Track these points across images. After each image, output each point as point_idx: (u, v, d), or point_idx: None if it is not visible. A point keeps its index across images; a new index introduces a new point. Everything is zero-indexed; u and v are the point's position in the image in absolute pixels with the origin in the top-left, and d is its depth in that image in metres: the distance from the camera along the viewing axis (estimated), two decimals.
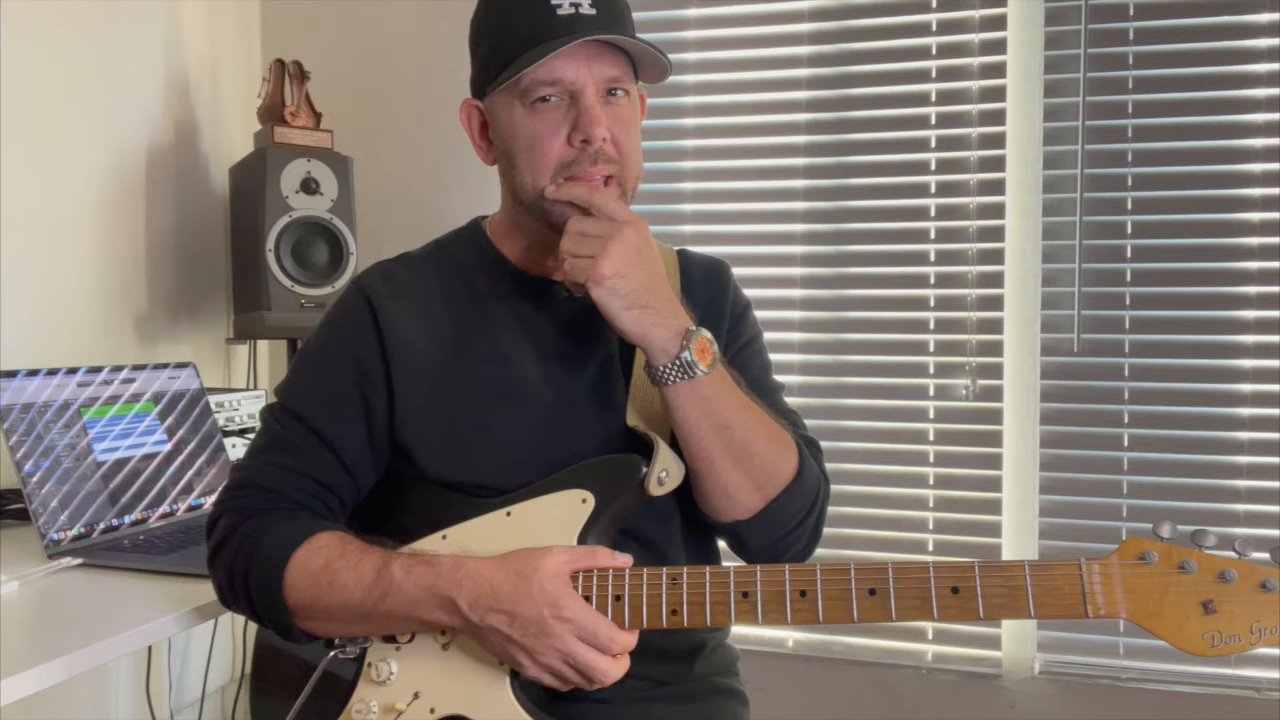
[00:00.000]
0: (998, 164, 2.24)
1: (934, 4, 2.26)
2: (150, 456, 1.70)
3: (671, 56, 1.13)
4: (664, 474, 1.08)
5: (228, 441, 1.90)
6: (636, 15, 1.17)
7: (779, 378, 1.29)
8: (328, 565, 1.05)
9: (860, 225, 2.33)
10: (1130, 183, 2.17)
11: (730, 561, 1.09)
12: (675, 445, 1.10)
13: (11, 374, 1.56)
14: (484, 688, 1.04)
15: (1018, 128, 2.22)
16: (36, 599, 1.32)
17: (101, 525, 1.58)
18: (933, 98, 2.28)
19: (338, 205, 2.28)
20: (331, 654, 1.08)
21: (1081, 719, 2.19)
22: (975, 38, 2.25)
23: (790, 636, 2.36)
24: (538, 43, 1.07)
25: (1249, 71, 2.10)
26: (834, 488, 1.21)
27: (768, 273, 2.38)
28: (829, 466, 1.20)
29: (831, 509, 1.20)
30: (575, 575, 1.02)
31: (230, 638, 2.52)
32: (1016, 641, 2.23)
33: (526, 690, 1.05)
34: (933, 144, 2.28)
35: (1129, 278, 2.18)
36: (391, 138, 2.55)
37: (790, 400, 1.27)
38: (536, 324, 1.18)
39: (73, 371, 1.65)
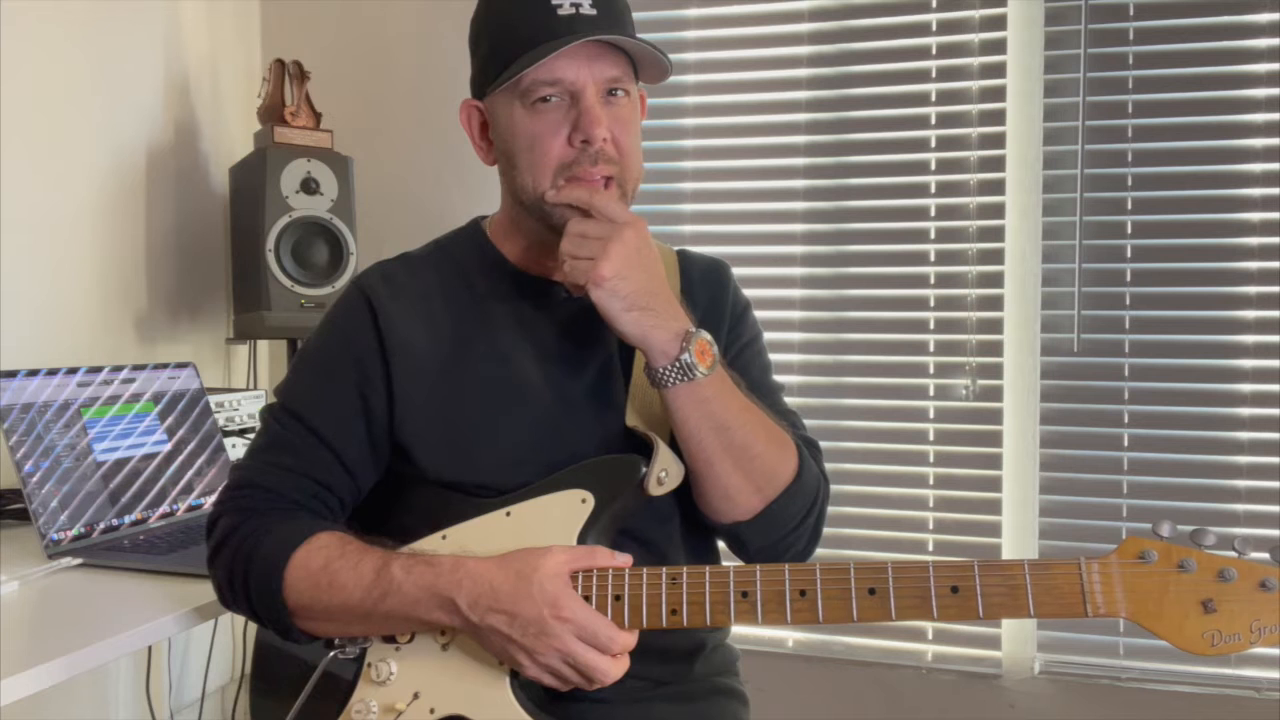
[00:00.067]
0: (998, 164, 2.24)
1: (934, 4, 2.26)
2: (150, 456, 1.70)
3: (671, 56, 1.13)
4: (663, 474, 1.08)
5: (228, 441, 1.90)
6: (636, 15, 1.17)
7: (779, 378, 1.29)
8: (327, 565, 1.05)
9: (860, 225, 2.33)
10: (1130, 183, 2.17)
11: (730, 562, 1.09)
12: (675, 445, 1.10)
13: (11, 374, 1.56)
14: (484, 688, 1.04)
15: (1018, 128, 2.22)
16: (36, 599, 1.32)
17: (101, 525, 1.58)
18: (933, 98, 2.28)
19: (338, 205, 2.28)
20: (331, 654, 1.08)
21: (1081, 719, 2.19)
22: (975, 38, 2.25)
23: (790, 636, 2.36)
24: (538, 43, 1.07)
25: (1249, 71, 2.10)
26: (834, 488, 1.21)
27: (768, 273, 2.38)
28: (829, 466, 1.20)
29: (831, 509, 1.20)
30: (575, 575, 1.02)
31: (230, 638, 2.52)
32: (1016, 641, 2.23)
33: (526, 690, 1.05)
34: (933, 144, 2.28)
35: (1129, 278, 2.18)
36: (391, 138, 2.55)
37: (790, 400, 1.27)
38: (536, 324, 1.18)
39: (73, 371, 1.65)
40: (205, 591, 1.19)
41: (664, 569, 1.03)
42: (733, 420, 1.08)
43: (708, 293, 1.24)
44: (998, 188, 2.24)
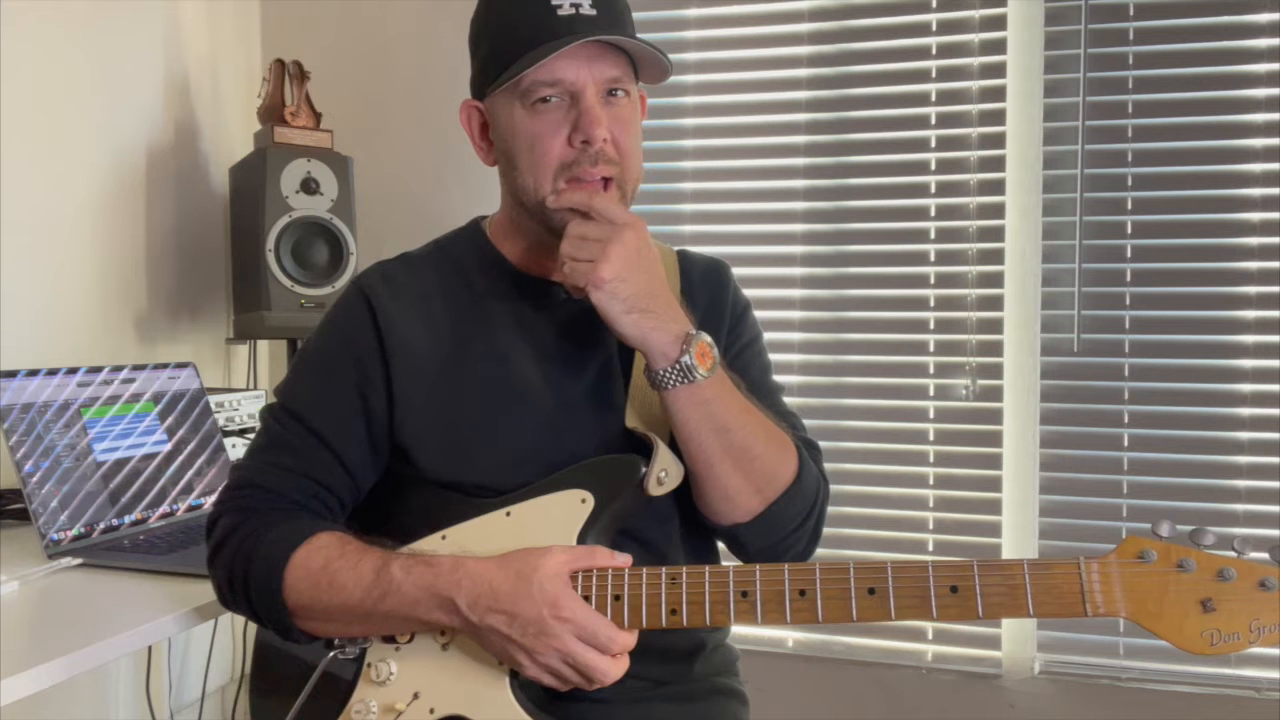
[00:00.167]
0: (998, 164, 2.24)
1: (934, 4, 2.26)
2: (150, 456, 1.70)
3: (671, 56, 1.13)
4: (663, 474, 1.08)
5: (228, 441, 1.91)
6: (636, 15, 1.17)
7: (779, 378, 1.29)
8: (327, 565, 1.05)
9: (860, 225, 2.33)
10: (1130, 183, 2.17)
11: (729, 562, 1.09)
12: (674, 446, 1.10)
13: (11, 374, 1.56)
14: (484, 688, 1.04)
15: (1018, 128, 2.22)
16: (36, 599, 1.32)
17: (101, 525, 1.58)
18: (933, 98, 2.28)
19: (338, 205, 2.28)
20: (331, 654, 1.09)
21: (1081, 719, 2.19)
22: (975, 38, 2.25)
23: (790, 636, 2.36)
24: (538, 43, 1.07)
25: (1249, 71, 2.10)
26: (834, 488, 1.21)
27: (768, 273, 2.38)
28: (829, 467, 1.20)
29: (831, 509, 1.20)
30: (575, 575, 1.02)
31: (230, 638, 2.52)
32: (1016, 641, 2.23)
33: (526, 690, 1.05)
34: (933, 144, 2.28)
35: (1129, 278, 2.18)
36: (391, 138, 2.55)
37: (790, 400, 1.27)
38: (536, 325, 1.18)
39: (73, 371, 1.65)
40: (205, 591, 1.19)
41: (664, 569, 1.03)
42: (733, 422, 1.08)
43: (708, 293, 1.24)
44: (998, 188, 2.24)
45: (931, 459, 2.29)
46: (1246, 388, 2.11)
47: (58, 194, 2.09)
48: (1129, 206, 2.18)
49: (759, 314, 1.31)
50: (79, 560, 1.45)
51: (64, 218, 2.10)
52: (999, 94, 2.23)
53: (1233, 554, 0.93)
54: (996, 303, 2.25)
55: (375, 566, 1.04)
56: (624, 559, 1.04)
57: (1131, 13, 2.16)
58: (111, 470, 1.63)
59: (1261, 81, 2.09)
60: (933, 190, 2.29)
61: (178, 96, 2.41)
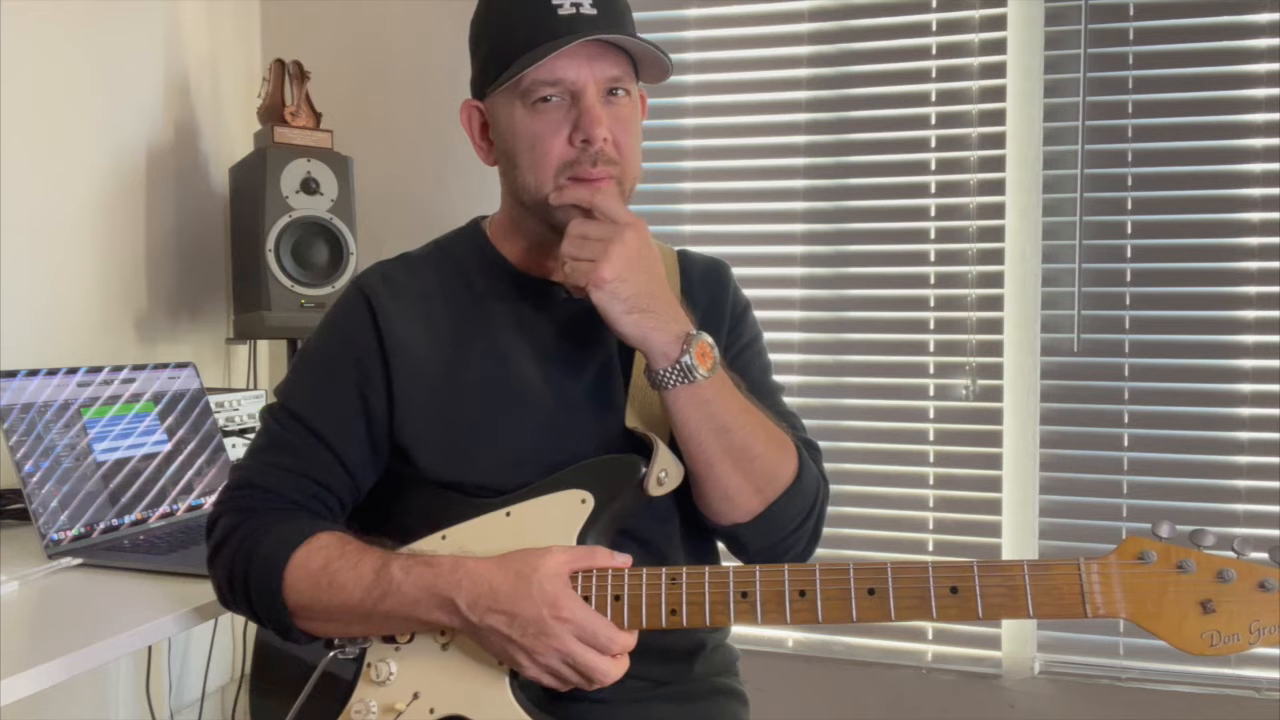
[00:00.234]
0: (998, 164, 2.24)
1: (934, 4, 2.26)
2: (150, 456, 1.70)
3: (671, 56, 1.13)
4: (663, 474, 1.08)
5: (228, 441, 1.90)
6: (636, 15, 1.17)
7: (779, 378, 1.29)
8: (327, 565, 1.05)
9: (860, 225, 2.33)
10: (1130, 183, 2.17)
11: (729, 562, 1.09)
12: (674, 446, 1.10)
13: (11, 374, 1.56)
14: (483, 688, 1.04)
15: (1018, 128, 2.22)
16: (36, 599, 1.32)
17: (101, 525, 1.58)
18: (933, 98, 2.28)
19: (338, 205, 2.28)
20: (331, 654, 1.09)
21: (1081, 719, 2.19)
22: (975, 38, 2.25)
23: (790, 636, 2.36)
24: (538, 43, 1.07)
25: (1249, 71, 2.10)
26: (834, 488, 1.21)
27: (768, 273, 2.38)
28: (829, 467, 1.20)
29: (831, 509, 1.20)
30: (574, 575, 1.02)
31: (230, 638, 2.52)
32: (1016, 641, 2.23)
33: (526, 690, 1.05)
34: (933, 144, 2.28)
35: (1129, 278, 2.18)
36: (391, 138, 2.55)
37: (790, 401, 1.27)
38: (536, 325, 1.18)
39: (73, 371, 1.65)
40: (205, 591, 1.19)
41: (663, 569, 1.03)
42: (733, 422, 1.08)
43: (708, 293, 1.24)
44: (998, 188, 2.24)
45: (931, 459, 2.29)
46: (1246, 388, 2.11)
47: (58, 194, 2.09)
48: (1129, 206, 2.18)
49: (759, 314, 1.31)
50: (79, 560, 1.45)
51: (64, 218, 2.10)
52: (999, 94, 2.23)
53: (1232, 555, 0.93)
54: (996, 303, 2.25)
55: (375, 566, 1.04)
56: (624, 559, 1.04)
57: (1131, 13, 2.16)
58: (111, 470, 1.63)
59: (1261, 81, 2.09)
60: (933, 190, 2.29)
61: (178, 96, 2.41)
